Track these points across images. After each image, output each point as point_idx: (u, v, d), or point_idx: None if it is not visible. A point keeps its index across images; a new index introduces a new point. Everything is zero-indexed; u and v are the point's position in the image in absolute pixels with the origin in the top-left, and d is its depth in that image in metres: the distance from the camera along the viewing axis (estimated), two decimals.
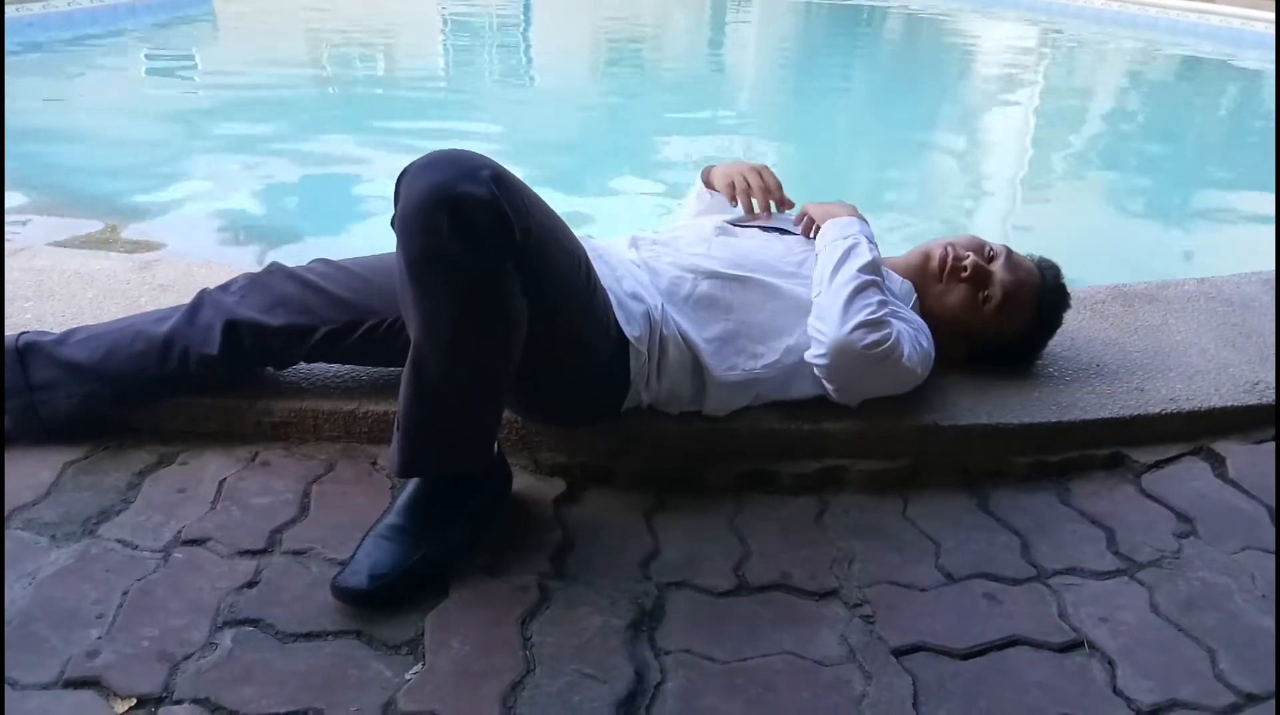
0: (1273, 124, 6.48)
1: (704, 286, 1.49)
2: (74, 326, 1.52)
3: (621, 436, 1.50)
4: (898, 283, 1.62)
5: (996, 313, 1.61)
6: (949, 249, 1.64)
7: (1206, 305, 2.02)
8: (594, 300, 1.38)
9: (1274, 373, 1.75)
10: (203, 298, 1.49)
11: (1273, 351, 1.83)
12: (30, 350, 1.44)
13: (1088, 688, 1.15)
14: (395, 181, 1.20)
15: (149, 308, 1.75)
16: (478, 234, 1.13)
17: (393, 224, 1.19)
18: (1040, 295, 1.66)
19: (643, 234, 1.64)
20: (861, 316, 1.41)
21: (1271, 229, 4.10)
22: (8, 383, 1.42)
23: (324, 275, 1.49)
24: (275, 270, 1.51)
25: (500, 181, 1.16)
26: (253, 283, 1.49)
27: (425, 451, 1.27)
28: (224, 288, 1.50)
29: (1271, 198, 4.54)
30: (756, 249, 1.58)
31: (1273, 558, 1.38)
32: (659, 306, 1.45)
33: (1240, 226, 4.22)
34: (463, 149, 1.20)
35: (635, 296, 1.45)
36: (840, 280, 1.46)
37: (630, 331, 1.41)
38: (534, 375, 1.34)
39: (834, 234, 1.56)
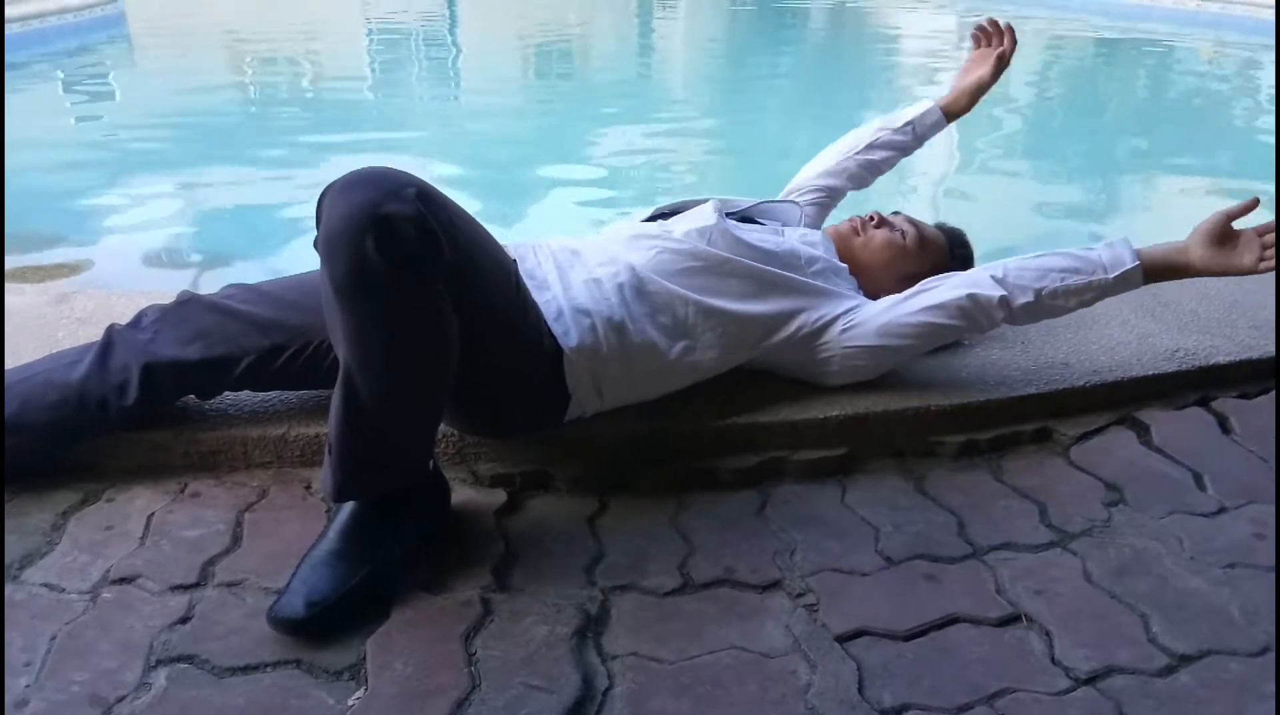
0: (1188, 100, 6.70)
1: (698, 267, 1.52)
2: None
3: (560, 443, 1.50)
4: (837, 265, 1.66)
5: (918, 243, 1.72)
6: (854, 218, 1.77)
7: None
8: (525, 312, 1.38)
9: (1192, 341, 1.80)
10: (112, 337, 1.42)
11: (1190, 319, 1.89)
12: None
13: (1027, 660, 1.17)
14: (317, 201, 1.17)
15: (67, 343, 1.71)
16: (405, 254, 1.11)
17: (316, 245, 1.16)
18: (945, 234, 1.79)
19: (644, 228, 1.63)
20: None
21: (1189, 203, 4.24)
22: None
23: (242, 301, 1.45)
24: (188, 300, 1.46)
25: (426, 198, 1.14)
26: (165, 316, 1.43)
27: (359, 474, 1.25)
28: (134, 324, 1.44)
29: (1185, 174, 4.70)
30: (758, 239, 1.60)
31: (1199, 520, 1.43)
32: (615, 318, 1.43)
33: (1156, 201, 4.35)
34: (386, 166, 1.18)
35: (583, 311, 1.43)
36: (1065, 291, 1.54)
37: (567, 342, 1.40)
38: (466, 390, 1.32)
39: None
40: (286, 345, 1.42)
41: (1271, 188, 3.46)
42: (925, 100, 1.97)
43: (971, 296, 1.53)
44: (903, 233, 1.72)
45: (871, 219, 1.73)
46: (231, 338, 1.41)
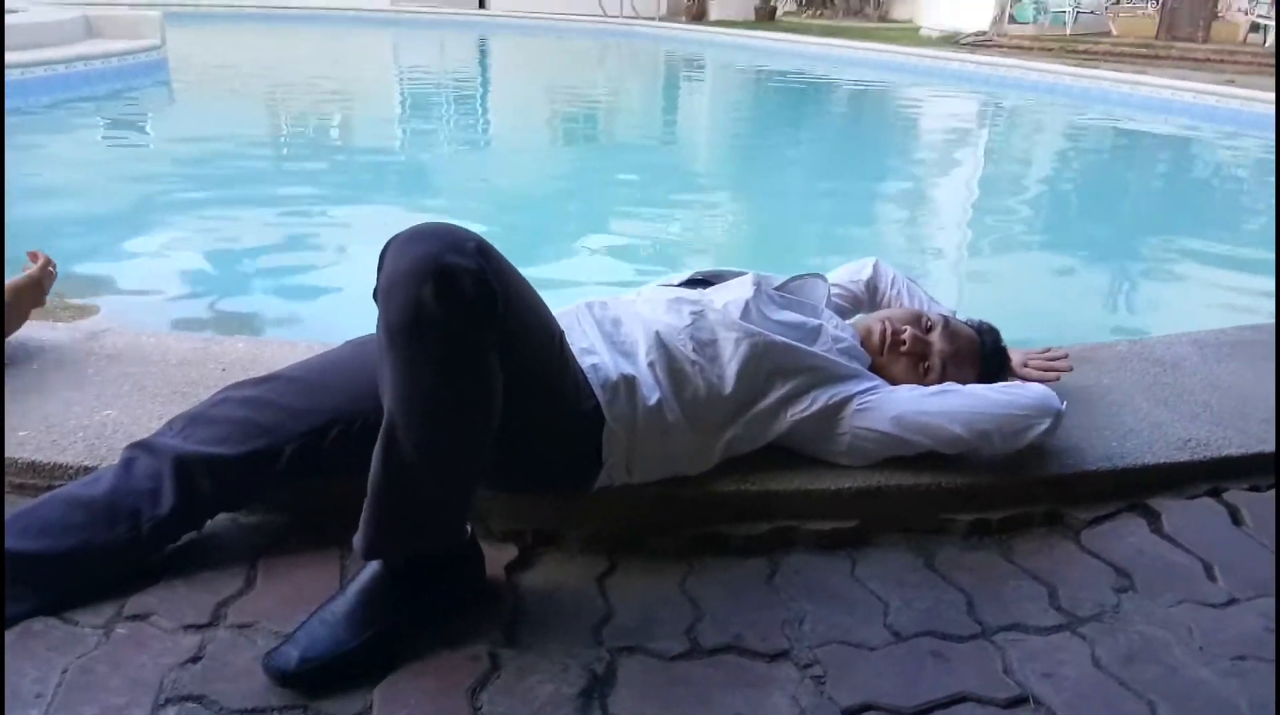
0: (1199, 190, 6.77)
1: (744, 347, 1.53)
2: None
3: (573, 502, 1.51)
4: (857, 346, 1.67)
5: (938, 382, 1.67)
6: (886, 323, 1.71)
7: (1139, 366, 2.10)
8: (565, 374, 1.40)
9: (1204, 431, 1.81)
10: (133, 450, 1.36)
11: (1202, 410, 1.90)
12: None
13: None
14: (379, 253, 1.20)
15: (97, 380, 1.75)
16: (462, 304, 1.14)
17: (375, 296, 1.19)
18: (980, 363, 1.74)
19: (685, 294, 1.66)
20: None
21: (1201, 292, 4.27)
22: None
23: (274, 391, 1.41)
24: (220, 400, 1.41)
25: (485, 254, 1.19)
26: (195, 418, 1.38)
27: (394, 532, 1.25)
28: (160, 432, 1.38)
29: (1198, 264, 4.74)
30: (789, 316, 1.64)
31: (1208, 611, 1.42)
32: (658, 398, 1.45)
33: (1170, 290, 4.37)
34: (448, 222, 1.22)
35: (630, 383, 1.45)
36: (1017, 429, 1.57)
37: (611, 412, 1.41)
38: (501, 445, 1.33)
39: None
40: (328, 428, 1.38)
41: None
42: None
43: (997, 419, 1.56)
44: (927, 369, 1.68)
45: (901, 342, 1.68)
46: (269, 428, 1.36)
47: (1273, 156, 6.71)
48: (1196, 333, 2.33)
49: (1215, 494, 1.72)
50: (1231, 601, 1.44)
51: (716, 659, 1.28)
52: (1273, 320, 2.36)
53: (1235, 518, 1.66)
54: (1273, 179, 6.14)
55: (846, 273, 2.00)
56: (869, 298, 1.98)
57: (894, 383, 1.65)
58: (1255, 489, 1.73)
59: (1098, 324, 3.72)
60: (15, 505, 1.37)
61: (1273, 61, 10.52)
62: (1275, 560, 1.52)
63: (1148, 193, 6.83)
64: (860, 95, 11.25)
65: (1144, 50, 13.09)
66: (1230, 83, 9.85)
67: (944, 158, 7.44)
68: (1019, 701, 1.23)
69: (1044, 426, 1.57)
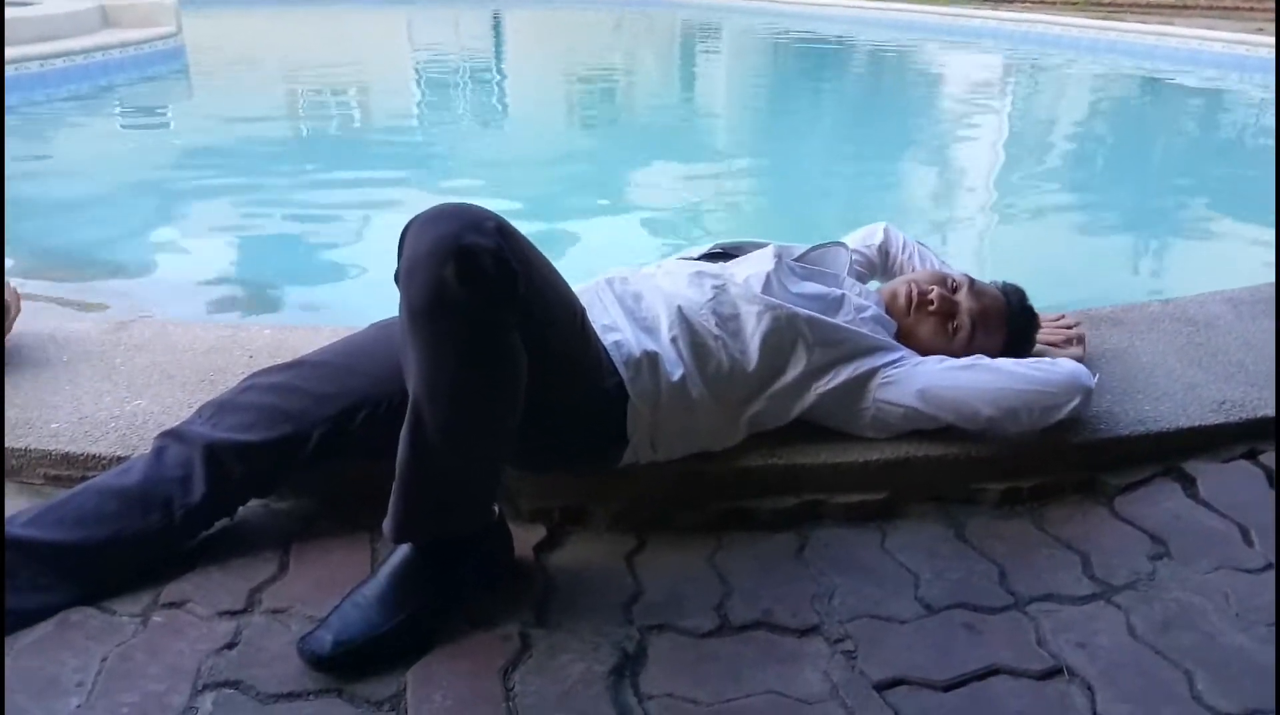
0: (1230, 143, 6.62)
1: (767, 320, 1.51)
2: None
3: (599, 479, 1.51)
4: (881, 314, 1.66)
5: (967, 341, 1.66)
6: (912, 285, 1.69)
7: (1171, 326, 2.06)
8: (586, 351, 1.39)
9: (1240, 392, 1.78)
10: (164, 439, 1.37)
11: (1237, 370, 1.87)
12: None
13: None
14: (399, 236, 1.20)
15: (124, 370, 1.77)
16: (483, 283, 1.14)
17: (396, 278, 1.19)
18: (1008, 320, 1.71)
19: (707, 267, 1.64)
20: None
21: (1234, 248, 4.18)
22: None
23: (297, 375, 1.42)
24: (247, 387, 1.42)
25: (505, 234, 1.18)
26: (223, 405, 1.39)
27: (422, 514, 1.25)
28: (187, 421, 1.40)
29: (1230, 219, 4.64)
30: (812, 288, 1.63)
31: (1245, 576, 1.40)
32: (682, 374, 1.45)
33: (1202, 247, 4.29)
34: (467, 202, 1.22)
35: (652, 359, 1.44)
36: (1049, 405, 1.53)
37: (634, 388, 1.41)
38: (526, 424, 1.32)
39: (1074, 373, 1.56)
40: (355, 411, 1.38)
41: None
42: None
43: (1024, 396, 1.52)
44: (956, 328, 1.66)
45: (929, 302, 1.66)
46: (296, 414, 1.37)
47: None
48: (1230, 291, 2.29)
49: (1251, 456, 1.69)
50: (1269, 566, 1.42)
51: (747, 635, 1.28)
52: None
53: (1271, 480, 1.63)
54: None
55: (857, 239, 1.98)
56: (881, 262, 1.97)
57: (922, 346, 1.63)
58: None
59: (1128, 284, 3.67)
60: (50, 497, 1.39)
61: None
62: (1275, 535, 1.49)
63: (1178, 147, 6.69)
64: (882, 55, 11.08)
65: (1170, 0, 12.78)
66: (1259, 30, 9.60)
67: (969, 117, 7.32)
68: (1053, 673, 1.22)
69: (1074, 405, 1.53)
